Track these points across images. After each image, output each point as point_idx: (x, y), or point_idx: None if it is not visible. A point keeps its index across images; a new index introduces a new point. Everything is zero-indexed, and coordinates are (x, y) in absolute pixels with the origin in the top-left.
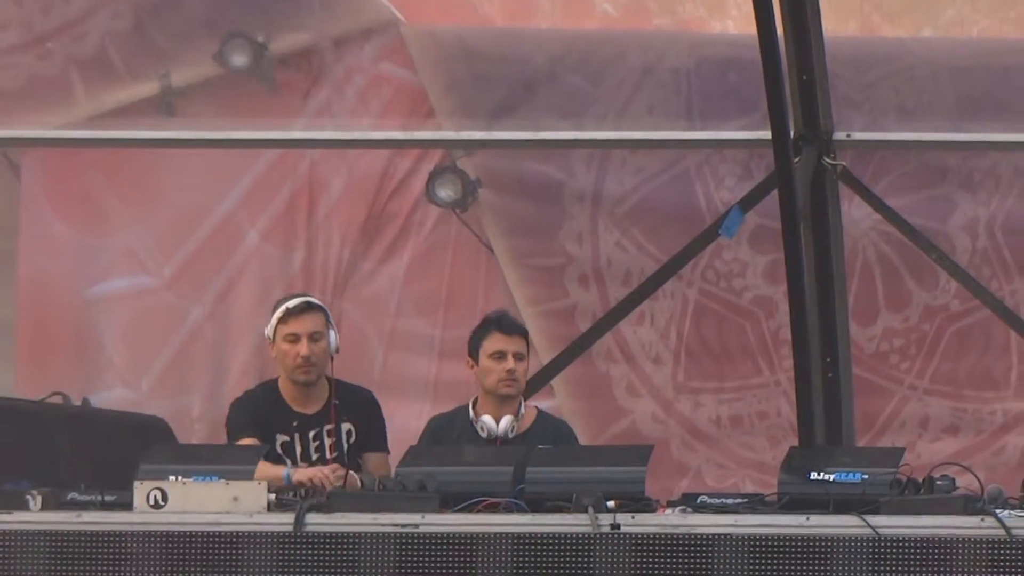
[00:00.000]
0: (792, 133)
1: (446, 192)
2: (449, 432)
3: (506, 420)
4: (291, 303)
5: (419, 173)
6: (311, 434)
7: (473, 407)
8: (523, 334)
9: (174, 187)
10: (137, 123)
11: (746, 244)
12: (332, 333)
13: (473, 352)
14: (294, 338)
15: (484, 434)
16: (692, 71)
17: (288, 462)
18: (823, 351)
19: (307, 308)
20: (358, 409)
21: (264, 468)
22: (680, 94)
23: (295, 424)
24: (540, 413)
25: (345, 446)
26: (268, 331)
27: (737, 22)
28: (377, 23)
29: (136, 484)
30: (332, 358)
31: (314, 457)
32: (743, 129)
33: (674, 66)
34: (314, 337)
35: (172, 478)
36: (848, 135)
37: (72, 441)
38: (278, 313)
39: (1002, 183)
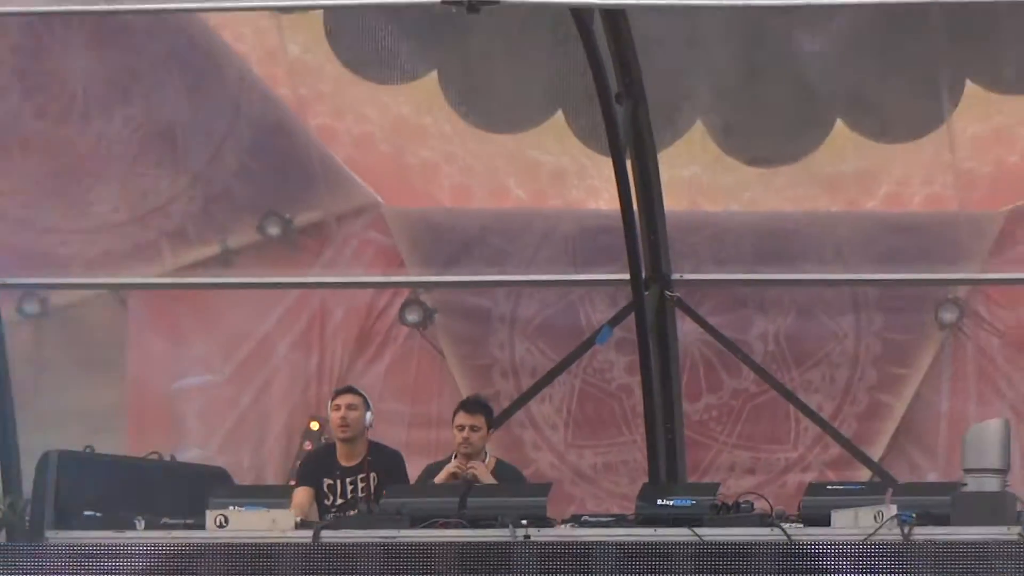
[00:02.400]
0: (644, 275)
1: (413, 317)
2: (437, 474)
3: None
4: (339, 388)
5: (394, 305)
6: (347, 480)
7: (455, 456)
8: (482, 411)
9: (231, 315)
10: (206, 273)
11: (613, 349)
12: (368, 413)
13: (453, 421)
14: (336, 408)
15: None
16: (577, 235)
17: (331, 496)
18: (664, 420)
19: (347, 390)
20: (384, 464)
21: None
22: (568, 250)
23: (337, 472)
24: (499, 461)
25: (371, 490)
26: (328, 408)
27: (607, 202)
28: (365, 204)
29: (208, 512)
30: (368, 428)
31: (349, 496)
32: (611, 273)
33: (564, 232)
34: (350, 407)
35: (232, 507)
36: (681, 276)
37: (165, 483)
38: (332, 395)
39: (784, 307)
